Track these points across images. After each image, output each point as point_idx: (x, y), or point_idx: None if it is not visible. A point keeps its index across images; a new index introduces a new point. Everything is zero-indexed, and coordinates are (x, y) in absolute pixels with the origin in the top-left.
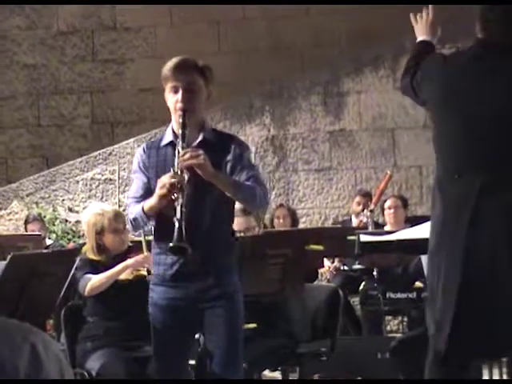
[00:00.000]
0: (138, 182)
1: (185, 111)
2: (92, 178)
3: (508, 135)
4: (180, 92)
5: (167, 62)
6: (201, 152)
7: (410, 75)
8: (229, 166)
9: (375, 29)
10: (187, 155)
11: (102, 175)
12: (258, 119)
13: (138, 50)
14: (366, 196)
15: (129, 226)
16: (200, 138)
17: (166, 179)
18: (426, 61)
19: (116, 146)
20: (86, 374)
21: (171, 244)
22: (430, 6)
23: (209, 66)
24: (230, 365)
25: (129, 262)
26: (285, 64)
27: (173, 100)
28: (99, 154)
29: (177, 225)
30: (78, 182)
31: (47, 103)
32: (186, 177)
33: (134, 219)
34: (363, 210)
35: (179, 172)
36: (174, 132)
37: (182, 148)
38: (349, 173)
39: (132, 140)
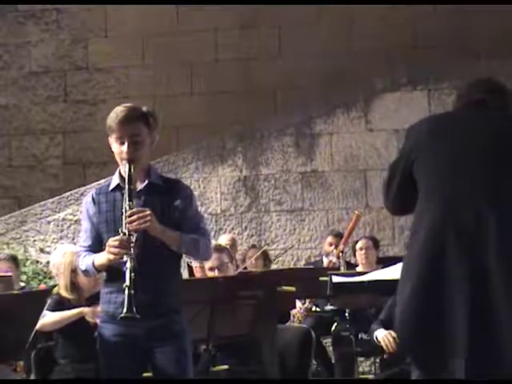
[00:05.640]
0: (86, 230)
1: (130, 163)
2: (63, 219)
3: (497, 172)
4: (125, 144)
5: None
6: (148, 212)
7: None
8: (177, 212)
9: (347, 72)
10: (134, 216)
11: (74, 216)
12: (230, 160)
13: (110, 90)
14: (338, 236)
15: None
16: (146, 182)
17: (115, 242)
18: (409, 129)
19: (88, 186)
20: None
21: (122, 314)
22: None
23: (153, 112)
24: None
25: (85, 310)
26: (257, 105)
27: (118, 150)
28: (71, 195)
29: (126, 292)
30: (49, 222)
31: (19, 144)
32: (134, 237)
33: (85, 271)
34: (333, 251)
35: (127, 233)
36: (120, 175)
37: (129, 206)
38: (321, 214)
39: (103, 180)
